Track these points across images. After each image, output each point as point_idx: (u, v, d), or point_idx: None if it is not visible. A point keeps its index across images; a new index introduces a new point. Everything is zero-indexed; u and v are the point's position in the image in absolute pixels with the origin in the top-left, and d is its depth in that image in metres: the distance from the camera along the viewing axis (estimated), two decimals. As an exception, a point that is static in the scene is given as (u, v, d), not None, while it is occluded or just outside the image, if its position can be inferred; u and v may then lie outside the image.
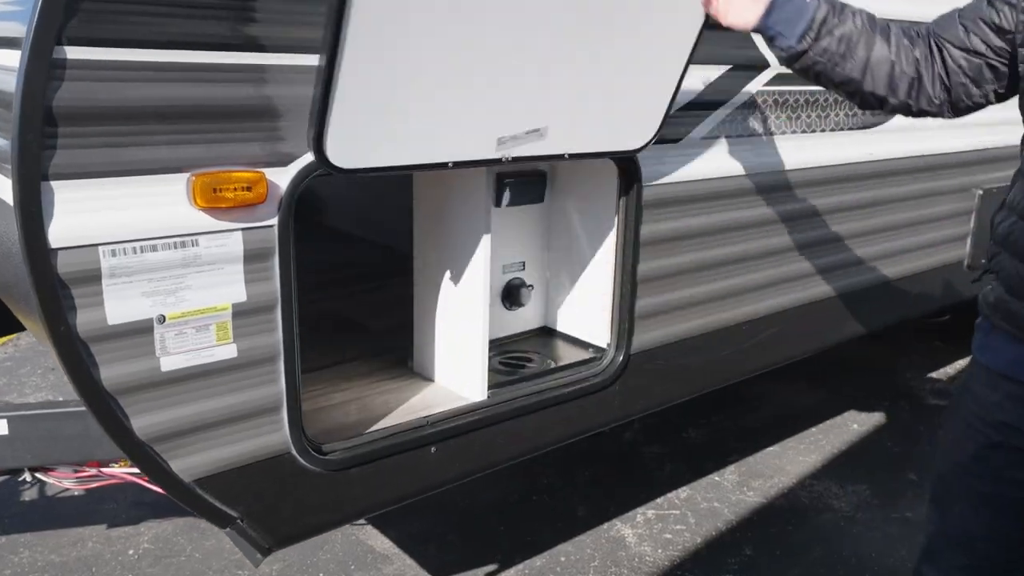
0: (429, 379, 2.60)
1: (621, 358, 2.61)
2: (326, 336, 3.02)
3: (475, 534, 3.36)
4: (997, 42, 1.77)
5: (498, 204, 2.67)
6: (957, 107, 1.88)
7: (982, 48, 1.79)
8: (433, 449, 2.25)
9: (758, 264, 2.95)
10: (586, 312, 2.77)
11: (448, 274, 2.47)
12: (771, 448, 4.11)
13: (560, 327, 2.90)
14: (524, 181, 2.68)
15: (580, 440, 2.71)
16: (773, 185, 2.91)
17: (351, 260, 4.14)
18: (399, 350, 2.75)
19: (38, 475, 2.61)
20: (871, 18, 1.92)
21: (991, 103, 1.86)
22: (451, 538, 3.34)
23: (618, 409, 2.65)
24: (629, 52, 2.16)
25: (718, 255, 2.80)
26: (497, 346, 2.79)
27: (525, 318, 2.89)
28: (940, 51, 1.85)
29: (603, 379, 2.58)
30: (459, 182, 2.35)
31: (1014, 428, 1.75)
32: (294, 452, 1.99)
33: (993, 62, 1.79)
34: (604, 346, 2.67)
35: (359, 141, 1.85)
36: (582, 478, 3.79)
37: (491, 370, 2.59)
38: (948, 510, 1.91)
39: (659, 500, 3.63)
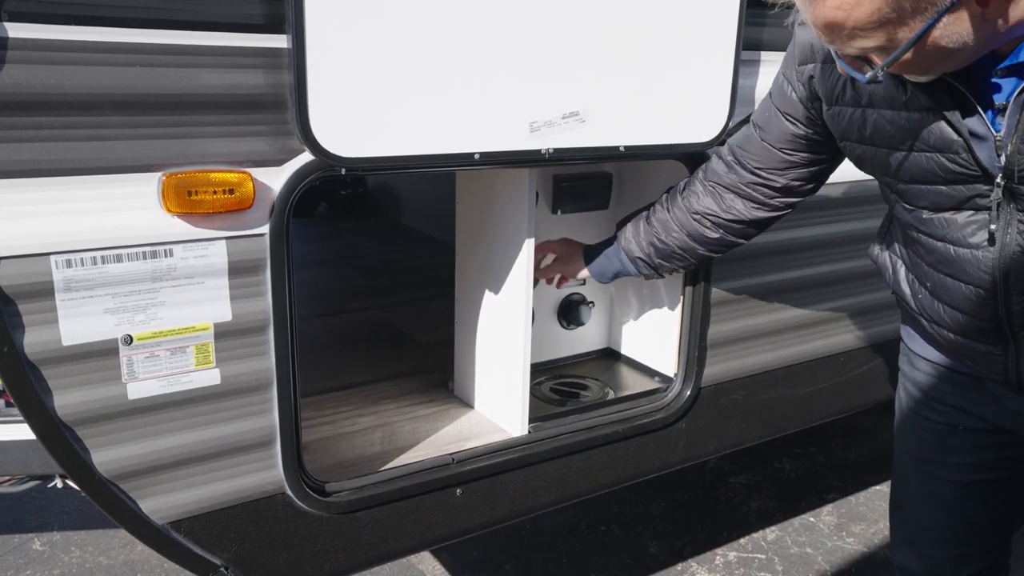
0: (469, 405, 2.32)
1: (689, 392, 2.26)
2: (367, 349, 2.78)
3: (535, 565, 3.08)
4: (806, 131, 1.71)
5: (556, 210, 2.37)
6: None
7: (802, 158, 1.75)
8: (458, 491, 1.96)
9: (859, 286, 2.54)
10: (653, 336, 2.43)
11: (488, 288, 2.17)
12: (876, 488, 3.66)
13: (625, 350, 2.58)
14: (586, 184, 2.38)
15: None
16: (878, 194, 2.48)
17: (419, 263, 3.90)
18: (443, 369, 2.48)
19: (69, 482, 2.50)
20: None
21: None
22: (508, 568, 3.07)
23: (683, 450, 2.30)
24: (675, 22, 1.90)
25: (810, 275, 2.41)
26: (552, 369, 2.50)
27: (585, 338, 2.57)
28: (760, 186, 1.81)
29: (666, 415, 2.24)
30: (501, 184, 2.06)
31: (967, 412, 1.68)
32: (289, 492, 1.75)
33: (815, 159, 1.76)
34: (673, 375, 2.33)
35: (353, 123, 1.59)
36: (657, 508, 3.44)
37: (540, 398, 2.30)
38: (915, 505, 1.81)
39: (743, 540, 3.26)
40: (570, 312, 2.49)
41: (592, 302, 2.52)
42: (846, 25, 1.20)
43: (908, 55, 1.22)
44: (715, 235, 1.90)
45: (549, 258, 2.25)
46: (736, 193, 1.84)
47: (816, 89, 1.60)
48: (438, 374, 2.49)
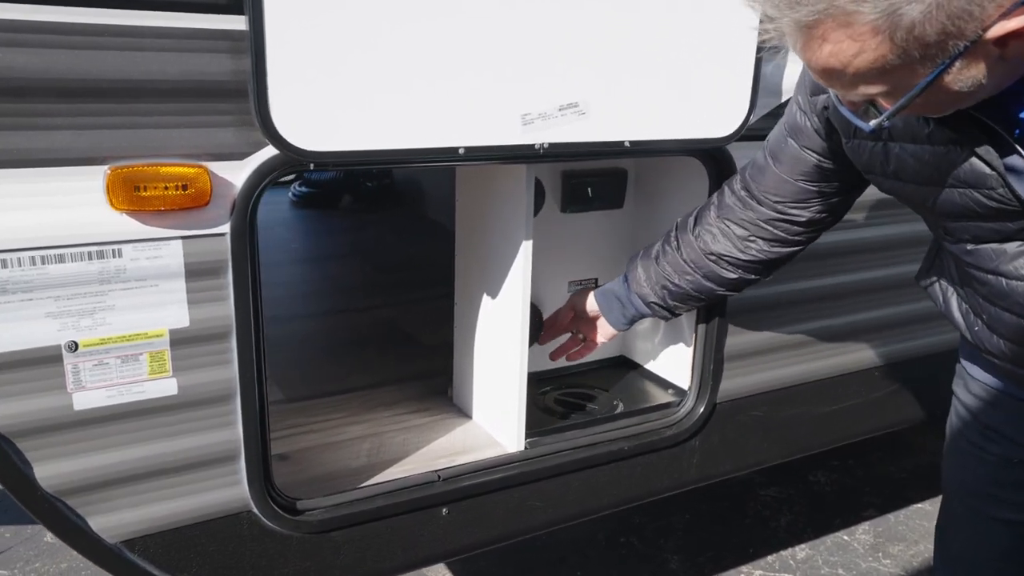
0: (467, 415, 2.18)
1: (703, 408, 2.09)
2: (370, 351, 2.66)
3: (546, 580, 2.93)
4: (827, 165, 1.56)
5: (565, 208, 2.21)
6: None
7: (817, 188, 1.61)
8: (444, 511, 1.83)
9: (894, 296, 2.34)
10: (668, 345, 2.26)
11: (486, 291, 2.03)
12: (918, 506, 3.43)
13: (639, 359, 2.41)
14: (598, 181, 2.21)
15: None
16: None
17: (440, 258, 3.76)
18: (445, 374, 2.34)
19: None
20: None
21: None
22: (519, 580, 2.93)
23: (695, 470, 2.14)
24: (688, 3, 1.72)
25: (841, 283, 2.22)
26: (560, 377, 2.34)
27: (597, 345, 2.41)
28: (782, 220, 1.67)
29: (677, 432, 2.07)
30: (498, 181, 1.91)
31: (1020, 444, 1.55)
32: (255, 510, 1.63)
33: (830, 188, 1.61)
34: (687, 388, 2.16)
35: (320, 113, 1.45)
36: (680, 520, 3.27)
37: (542, 409, 2.15)
38: (960, 537, 1.68)
39: (770, 558, 3.08)
40: (580, 317, 2.34)
41: (604, 306, 2.36)
42: (846, 72, 1.06)
43: (918, 99, 1.08)
44: (733, 275, 1.76)
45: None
46: (754, 233, 1.69)
47: (831, 121, 1.44)
48: (440, 380, 2.35)
